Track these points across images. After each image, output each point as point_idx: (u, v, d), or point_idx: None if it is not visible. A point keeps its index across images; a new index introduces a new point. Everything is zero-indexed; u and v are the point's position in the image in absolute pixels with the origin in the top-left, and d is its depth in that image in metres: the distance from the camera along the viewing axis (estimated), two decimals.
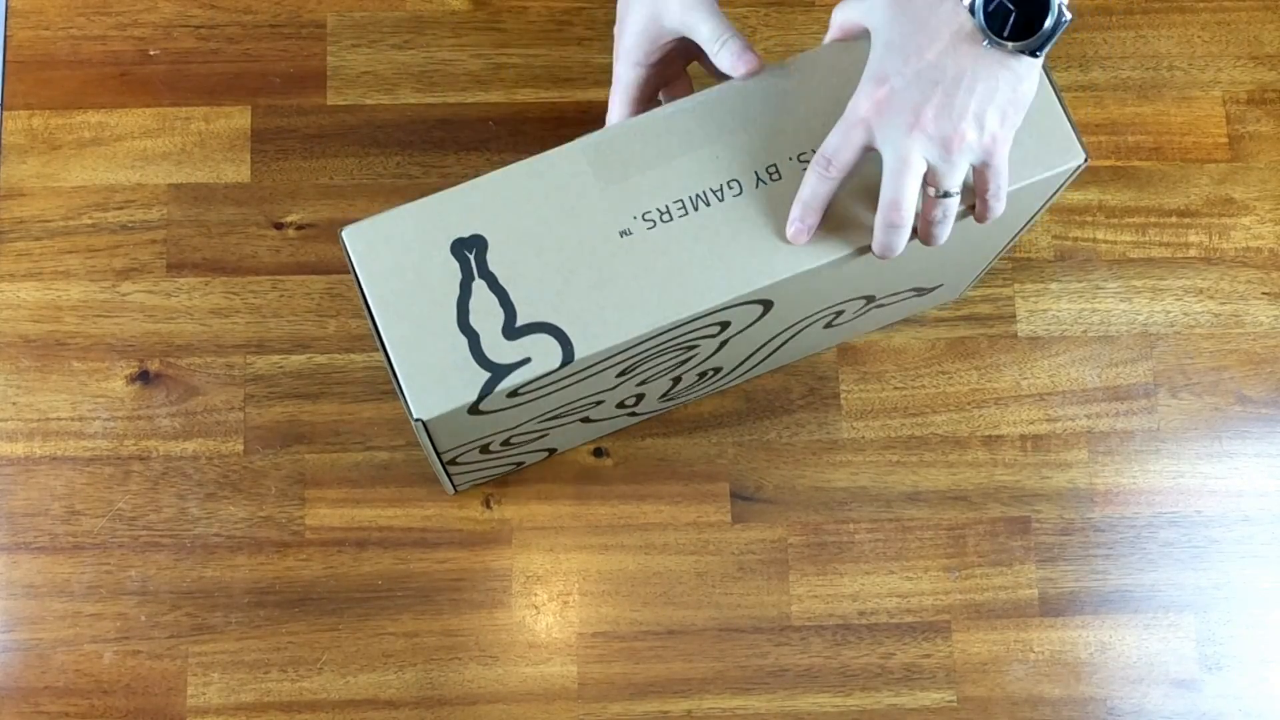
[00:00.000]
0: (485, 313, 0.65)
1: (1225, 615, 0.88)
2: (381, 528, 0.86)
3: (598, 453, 0.88)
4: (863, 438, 0.89)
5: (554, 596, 0.86)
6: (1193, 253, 0.93)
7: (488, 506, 0.87)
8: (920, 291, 0.84)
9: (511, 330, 0.65)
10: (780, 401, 0.89)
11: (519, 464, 0.85)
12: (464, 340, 0.65)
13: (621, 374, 0.72)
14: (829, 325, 0.83)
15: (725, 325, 0.72)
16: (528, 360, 0.65)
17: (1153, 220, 0.94)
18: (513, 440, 0.77)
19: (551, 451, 0.86)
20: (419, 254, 0.66)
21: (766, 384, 0.89)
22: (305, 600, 0.85)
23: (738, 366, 0.83)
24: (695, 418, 0.88)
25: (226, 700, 0.83)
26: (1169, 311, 0.92)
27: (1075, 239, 0.93)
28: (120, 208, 0.90)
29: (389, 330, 0.65)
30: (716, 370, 0.81)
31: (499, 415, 0.70)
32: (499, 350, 0.65)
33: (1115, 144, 0.95)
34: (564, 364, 0.65)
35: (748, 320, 0.72)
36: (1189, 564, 0.88)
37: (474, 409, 0.66)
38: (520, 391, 0.66)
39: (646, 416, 0.87)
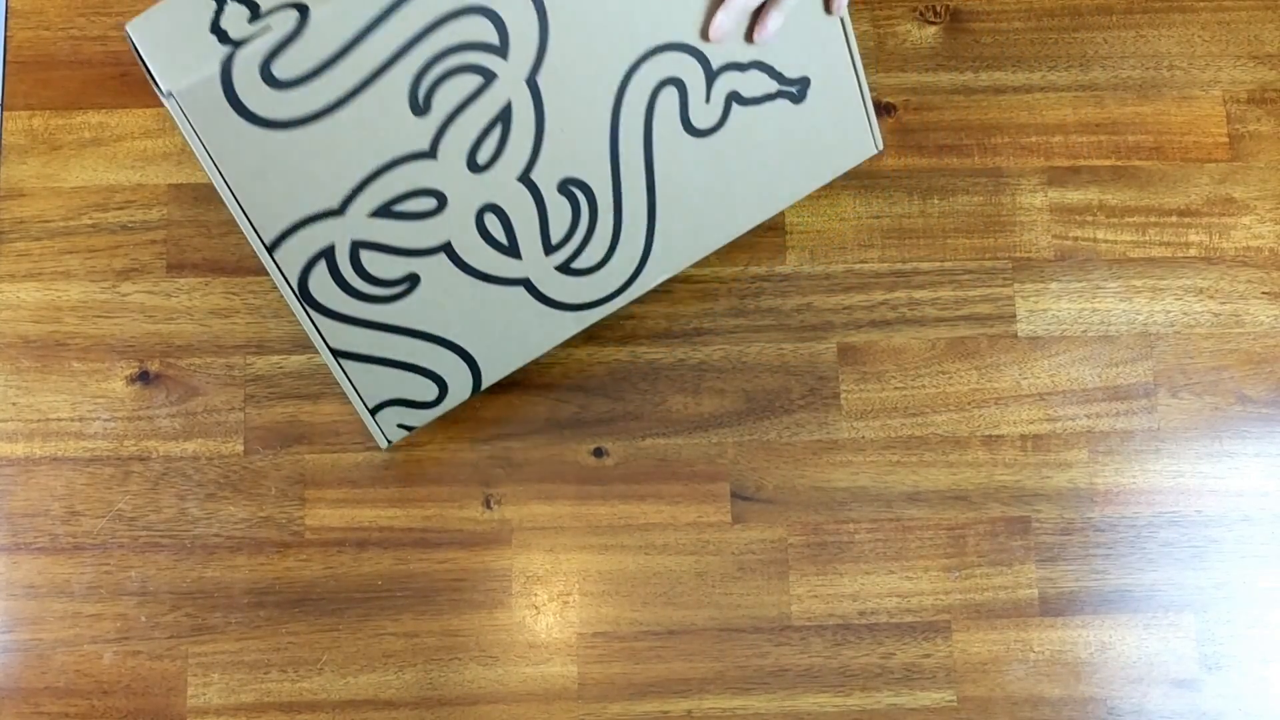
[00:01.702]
0: (235, 15, 0.68)
1: (1225, 615, 0.88)
2: (381, 528, 0.86)
3: (598, 453, 0.88)
4: (863, 437, 0.89)
5: (554, 596, 0.86)
6: (1193, 252, 0.93)
7: (488, 507, 0.87)
8: (783, 85, 0.82)
9: (256, 16, 0.68)
10: (780, 401, 0.89)
11: (432, 380, 0.81)
12: (213, 37, 0.68)
13: (414, 106, 0.72)
14: (687, 124, 0.80)
15: (501, 30, 0.72)
16: (268, 29, 0.67)
17: (1153, 220, 0.94)
18: (367, 268, 0.75)
19: (465, 361, 0.81)
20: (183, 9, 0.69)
21: (766, 384, 0.89)
22: (305, 600, 0.85)
23: (602, 172, 0.79)
24: (695, 418, 0.88)
25: (226, 700, 0.83)
26: (1169, 311, 0.92)
27: (1075, 239, 0.93)
28: (120, 208, 0.90)
29: (143, 43, 0.68)
30: (581, 184, 0.79)
31: (290, 136, 0.70)
32: (242, 31, 0.68)
33: (1115, 144, 0.95)
34: (300, 26, 0.67)
35: (527, 31, 0.72)
36: (1189, 564, 0.88)
37: (234, 99, 0.68)
38: (278, 78, 0.68)
39: (566, 312, 0.82)
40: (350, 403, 0.87)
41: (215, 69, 0.67)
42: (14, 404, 0.87)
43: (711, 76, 0.79)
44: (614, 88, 0.77)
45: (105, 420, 0.87)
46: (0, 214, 0.89)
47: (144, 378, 0.87)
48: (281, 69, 0.68)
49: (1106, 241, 0.93)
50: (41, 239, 0.89)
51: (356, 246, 0.75)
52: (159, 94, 0.68)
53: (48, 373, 0.87)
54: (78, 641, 0.84)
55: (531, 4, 0.72)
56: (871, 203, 0.93)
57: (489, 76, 0.73)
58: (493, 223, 0.77)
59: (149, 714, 0.83)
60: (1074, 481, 0.89)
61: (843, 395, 0.89)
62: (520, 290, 0.80)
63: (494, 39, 0.72)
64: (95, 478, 0.86)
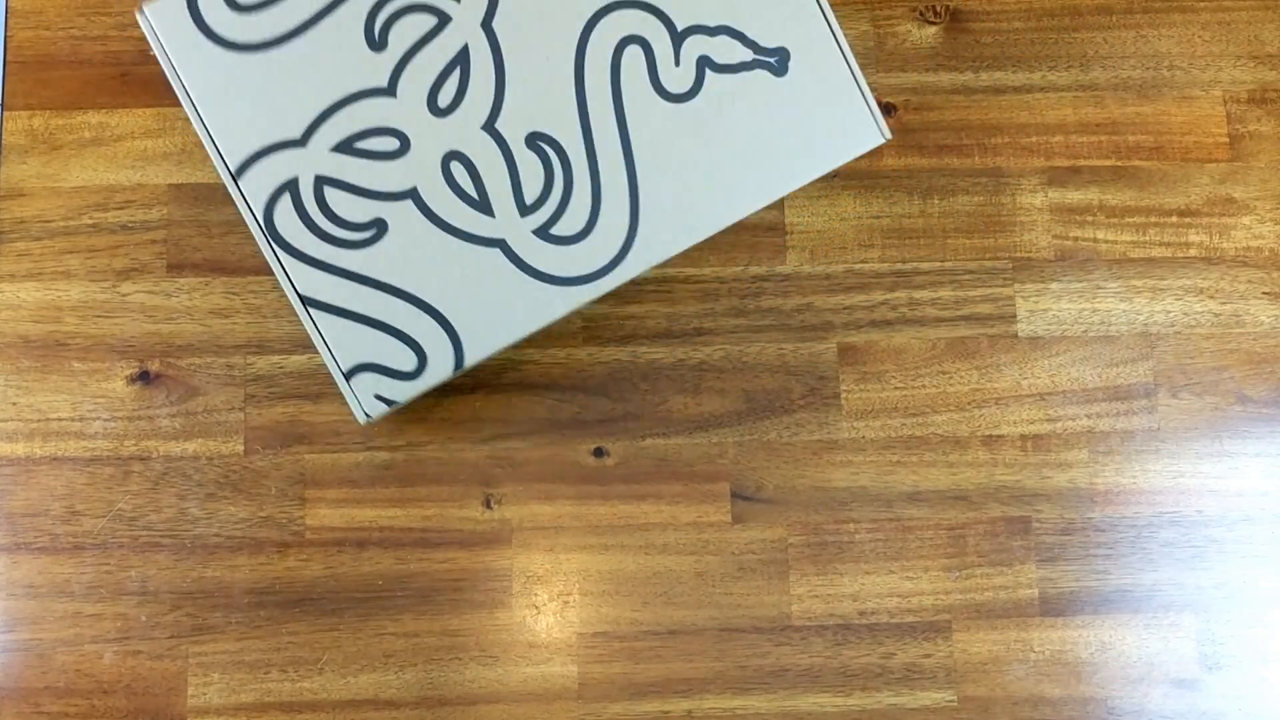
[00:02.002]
0: None
1: (1226, 615, 0.88)
2: (382, 528, 0.86)
3: (598, 453, 0.88)
4: (863, 437, 0.89)
5: (554, 596, 0.86)
6: (1193, 252, 0.93)
7: (488, 507, 0.87)
8: (759, 55, 0.81)
9: None
10: (780, 401, 0.89)
11: (410, 347, 0.78)
12: None
13: (370, 41, 0.74)
14: (658, 87, 0.79)
15: None
16: None
17: (1153, 220, 0.94)
18: (332, 208, 0.75)
19: (445, 330, 0.78)
20: None
21: (767, 384, 0.89)
22: (305, 600, 0.85)
23: (572, 130, 0.78)
24: (695, 417, 0.88)
25: (227, 700, 0.83)
26: (1169, 311, 0.92)
27: (1075, 239, 0.93)
28: (121, 208, 0.90)
29: None
30: (551, 139, 0.78)
31: (253, 59, 0.73)
32: None
33: (1115, 144, 0.95)
34: None
35: None
36: (1189, 564, 0.88)
37: (199, 19, 0.72)
38: (240, 1, 0.72)
39: (552, 286, 0.80)
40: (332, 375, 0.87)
41: None
42: (14, 404, 0.87)
43: (678, 38, 0.79)
44: (573, 41, 0.77)
45: (105, 420, 0.87)
46: (0, 214, 0.89)
47: (144, 377, 0.87)
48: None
49: (1107, 241, 0.93)
50: (41, 239, 0.89)
51: (320, 182, 0.74)
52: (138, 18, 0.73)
53: (48, 372, 0.87)
54: (78, 641, 0.84)
55: None
56: (871, 203, 0.93)
57: (443, 18, 0.75)
58: (460, 173, 0.76)
59: (149, 714, 0.83)
60: (1074, 481, 0.89)
61: (843, 395, 0.89)
62: (497, 253, 0.77)
63: None
64: (95, 477, 0.86)
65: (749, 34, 0.80)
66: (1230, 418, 0.91)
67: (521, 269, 0.78)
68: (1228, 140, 0.95)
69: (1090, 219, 0.93)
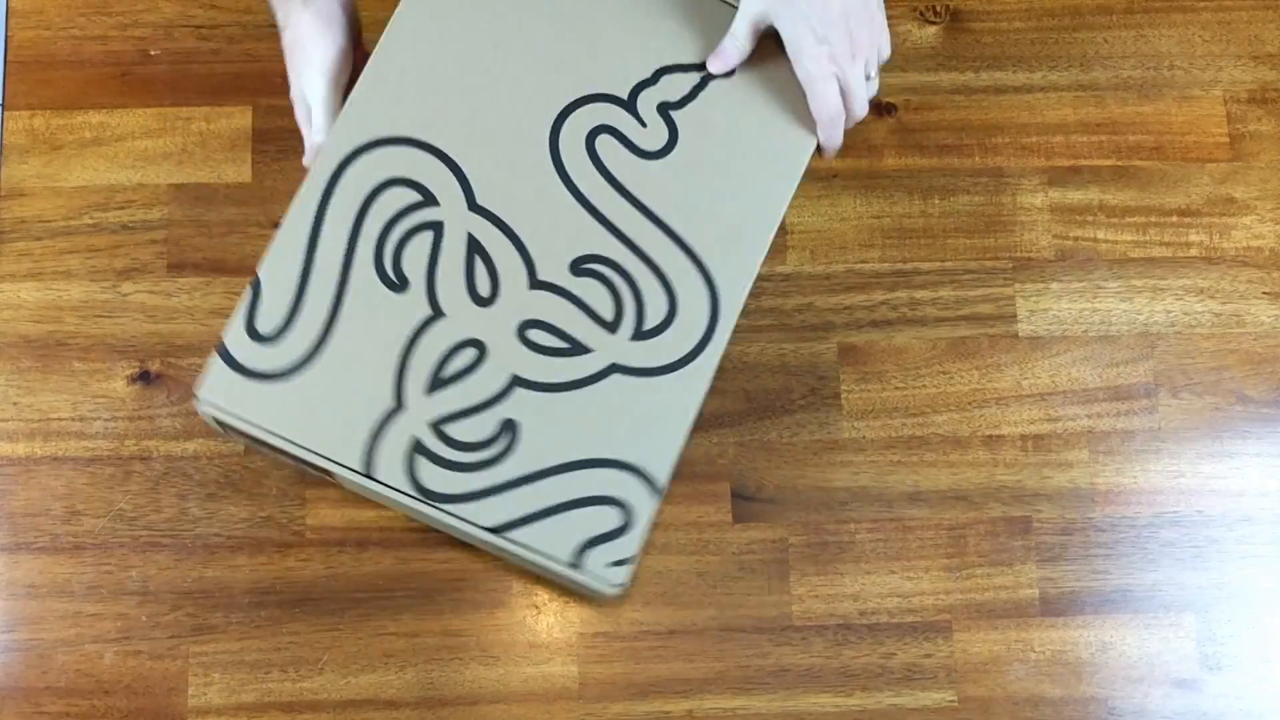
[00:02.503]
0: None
1: (1226, 615, 0.88)
2: (382, 528, 0.86)
3: None
4: (863, 437, 0.89)
5: (555, 596, 0.86)
6: (1193, 252, 0.93)
7: None
8: (700, 73, 0.83)
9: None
10: (781, 401, 0.89)
11: (605, 504, 0.78)
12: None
13: (392, 285, 0.77)
14: (640, 153, 0.81)
15: (419, 187, 0.78)
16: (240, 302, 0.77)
17: (1153, 220, 0.94)
18: (461, 440, 0.76)
19: (622, 469, 0.78)
20: None
21: (767, 384, 0.89)
22: (306, 600, 0.85)
23: (601, 238, 0.79)
24: (696, 417, 0.88)
25: (227, 700, 0.83)
26: (1170, 311, 0.92)
27: (1076, 238, 0.93)
28: (121, 208, 0.90)
29: None
30: (592, 257, 0.79)
31: (312, 371, 0.77)
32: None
33: (1116, 144, 0.95)
34: (256, 285, 0.77)
35: (439, 175, 0.78)
36: (1190, 564, 0.88)
37: (241, 368, 0.76)
38: (263, 334, 0.77)
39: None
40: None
41: (216, 355, 0.76)
42: (15, 404, 0.87)
43: (629, 105, 0.81)
44: (551, 169, 0.80)
45: (106, 420, 0.87)
46: (1, 214, 0.89)
47: (145, 377, 0.87)
48: (263, 324, 0.76)
49: (1107, 241, 0.93)
50: (42, 239, 0.89)
51: (436, 426, 0.76)
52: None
53: (49, 372, 0.87)
54: (79, 641, 0.84)
55: (431, 154, 0.78)
56: (872, 203, 0.93)
57: (437, 227, 0.78)
58: (540, 336, 0.78)
59: (150, 714, 0.83)
60: (1075, 481, 0.89)
61: (843, 395, 0.89)
62: (618, 378, 0.78)
63: (417, 197, 0.78)
64: (96, 477, 0.86)
65: (684, 61, 0.81)
66: (1231, 417, 0.91)
67: (643, 375, 0.78)
68: (1228, 140, 0.95)
69: (1091, 219, 0.93)
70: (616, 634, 0.85)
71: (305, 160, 0.82)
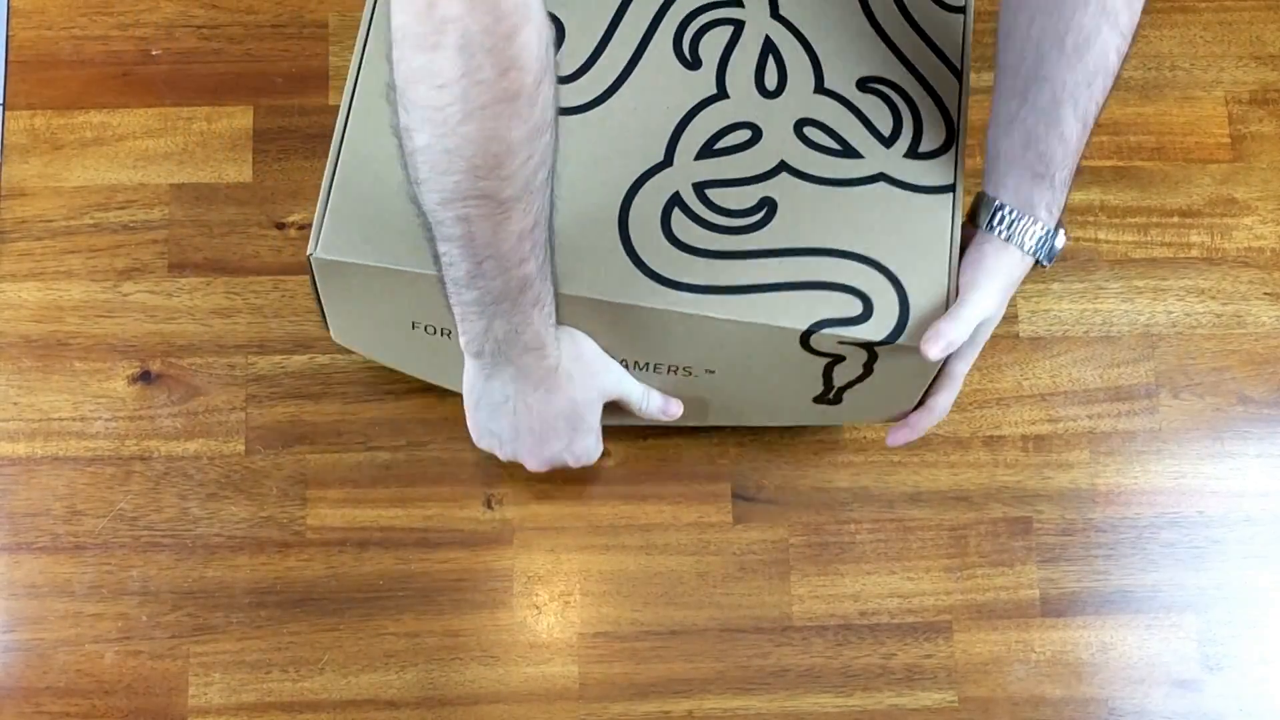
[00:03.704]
0: None
1: (1227, 615, 0.88)
2: (383, 528, 0.86)
3: None
4: (864, 438, 0.89)
5: (555, 597, 0.86)
6: (1195, 253, 0.93)
7: (489, 507, 0.87)
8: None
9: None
10: None
11: (849, 293, 0.78)
12: None
13: (685, 63, 0.80)
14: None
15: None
16: None
17: (1155, 220, 0.94)
18: (719, 204, 0.78)
19: (874, 268, 0.78)
20: None
21: None
22: (306, 600, 0.85)
23: (896, 68, 0.82)
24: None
25: (228, 700, 0.83)
26: (1171, 312, 0.92)
27: (1077, 239, 0.93)
28: (122, 208, 0.90)
29: None
30: (879, 79, 0.82)
31: (589, 115, 0.78)
32: None
33: (1117, 144, 0.95)
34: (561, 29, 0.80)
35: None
36: (1190, 564, 0.88)
37: None
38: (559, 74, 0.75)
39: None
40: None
41: None
42: (15, 403, 0.87)
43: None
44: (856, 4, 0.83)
45: (107, 420, 0.87)
46: (2, 213, 0.89)
47: (145, 377, 0.87)
48: (564, 65, 0.78)
49: (1108, 242, 0.93)
50: (43, 239, 0.89)
51: (699, 188, 0.78)
52: None
53: (49, 372, 0.87)
54: (79, 641, 0.84)
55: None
56: None
57: (737, 24, 0.81)
58: (816, 134, 0.80)
59: (150, 714, 0.83)
60: (1075, 482, 0.89)
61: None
62: (884, 186, 0.80)
63: None
64: (97, 477, 0.86)
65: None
66: (1231, 418, 0.91)
67: (910, 189, 0.79)
68: (1229, 141, 0.95)
69: (1092, 219, 0.93)
70: (617, 634, 0.85)
71: None
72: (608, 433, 0.88)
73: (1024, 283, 0.91)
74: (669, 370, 0.80)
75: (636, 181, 0.77)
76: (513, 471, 0.87)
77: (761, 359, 0.79)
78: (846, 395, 0.81)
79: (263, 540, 0.85)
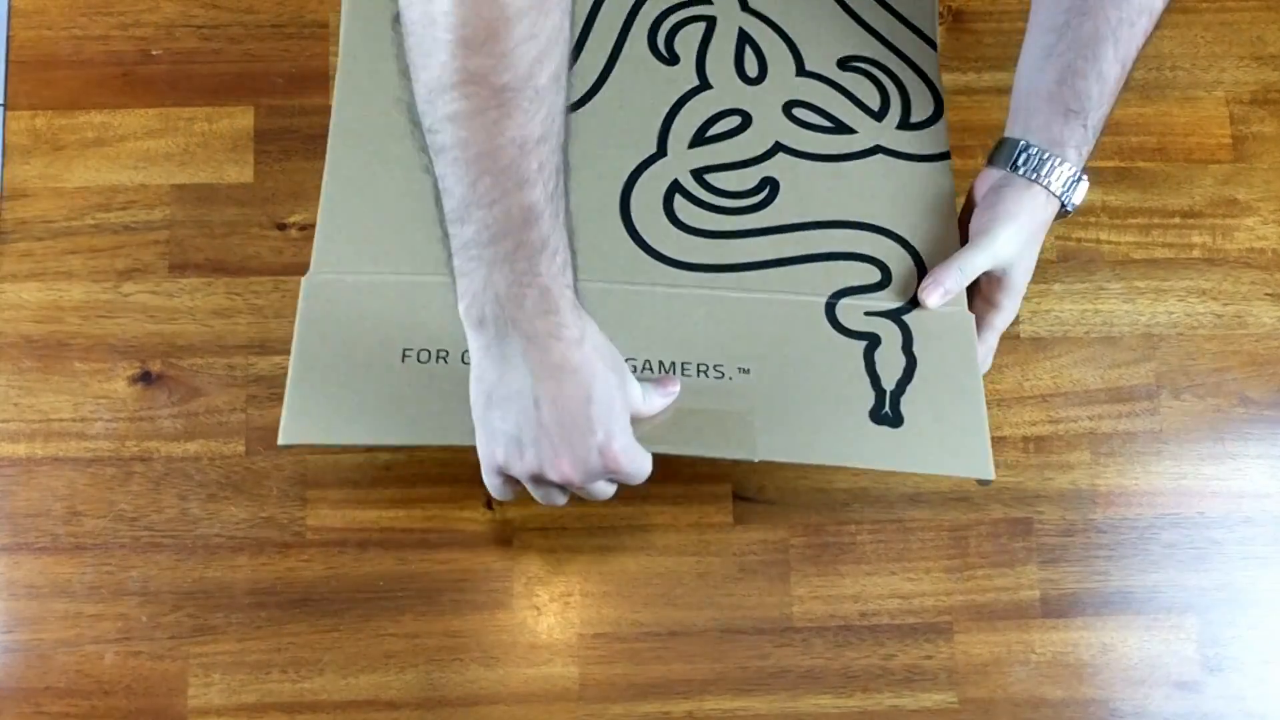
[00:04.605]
0: None
1: (1227, 617, 0.88)
2: (383, 529, 0.86)
3: None
4: None
5: (555, 597, 0.86)
6: (1196, 254, 0.93)
7: (489, 507, 0.87)
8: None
9: None
10: None
11: (866, 262, 0.79)
12: None
13: (663, 59, 0.81)
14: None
15: None
16: None
17: (1156, 221, 0.93)
18: (721, 187, 0.79)
19: (887, 236, 0.80)
20: None
21: None
22: (306, 601, 0.85)
23: (873, 45, 0.84)
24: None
25: (228, 701, 0.83)
26: (1172, 313, 0.92)
27: (1078, 240, 0.93)
28: (123, 208, 0.90)
29: None
30: (858, 58, 0.84)
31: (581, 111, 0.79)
32: None
33: (1118, 145, 0.94)
34: None
35: None
36: (1191, 565, 0.88)
37: None
38: None
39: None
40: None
41: None
42: (16, 404, 0.87)
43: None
44: None
45: (107, 420, 0.87)
46: (3, 214, 0.89)
47: (146, 378, 0.87)
48: None
49: (1109, 243, 0.93)
50: (44, 239, 0.89)
51: (698, 174, 0.79)
52: None
53: (50, 373, 0.87)
54: (79, 642, 0.84)
55: None
56: None
57: (709, 19, 0.82)
58: (806, 114, 0.81)
59: (150, 714, 0.83)
60: (1076, 483, 0.89)
61: None
62: (882, 158, 0.80)
63: None
64: (97, 478, 0.86)
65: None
66: (1232, 419, 0.91)
67: (910, 159, 0.81)
68: (1230, 141, 0.95)
69: (1093, 220, 0.93)
70: (617, 635, 0.85)
71: None
72: None
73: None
74: (698, 371, 0.75)
75: (633, 173, 0.77)
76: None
77: (795, 347, 0.75)
78: (904, 406, 0.76)
79: (263, 541, 0.85)
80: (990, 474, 0.75)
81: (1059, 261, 0.92)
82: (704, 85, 0.81)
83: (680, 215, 0.77)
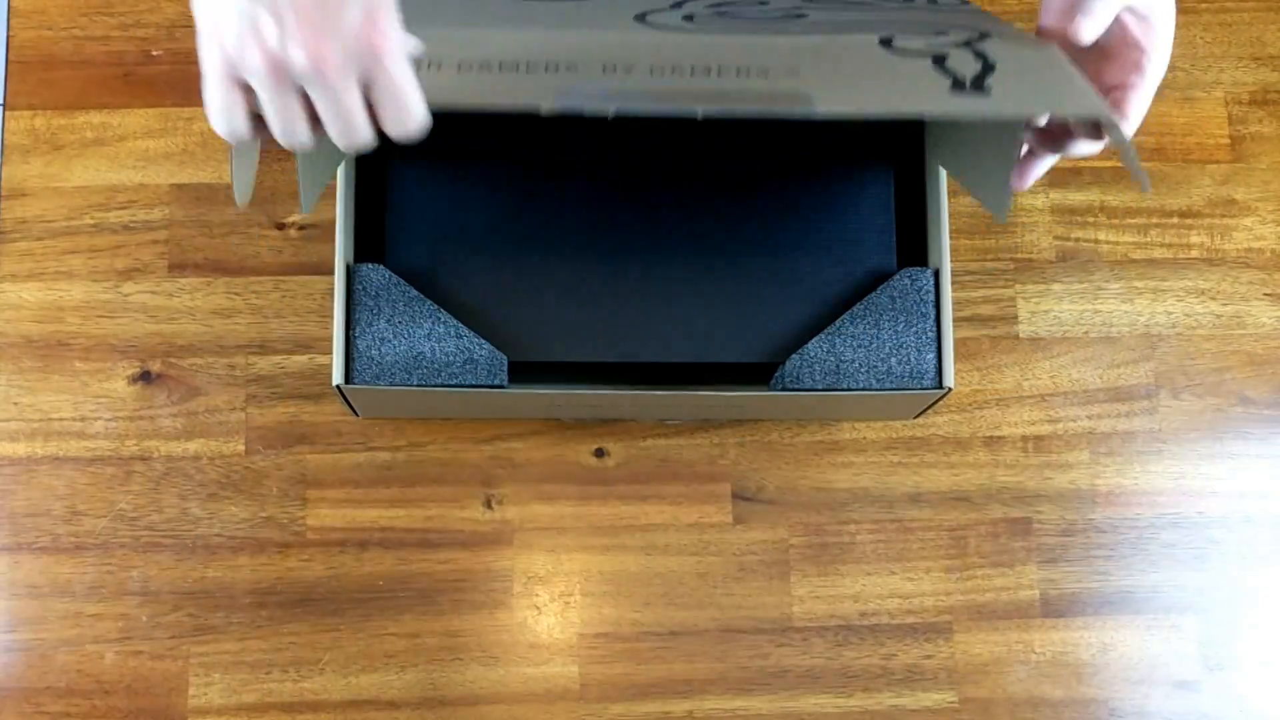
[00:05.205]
0: None
1: (1227, 616, 0.88)
2: (383, 528, 0.86)
3: (599, 453, 0.88)
4: (864, 438, 0.89)
5: (555, 597, 0.86)
6: (1195, 254, 0.93)
7: (489, 507, 0.87)
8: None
9: None
10: None
11: None
12: None
13: None
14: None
15: None
16: None
17: (1155, 221, 0.94)
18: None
19: None
20: None
21: None
22: (307, 601, 0.85)
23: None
24: (697, 418, 0.88)
25: (228, 701, 0.83)
26: (1171, 312, 0.92)
27: (1077, 240, 0.93)
28: (123, 208, 0.90)
29: None
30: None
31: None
32: None
33: None
34: None
35: None
36: (1191, 565, 0.88)
37: None
38: None
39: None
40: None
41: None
42: (16, 404, 0.87)
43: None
44: None
45: (107, 420, 0.87)
46: (3, 214, 0.89)
47: (146, 377, 0.87)
48: None
49: (1108, 243, 0.93)
50: (44, 239, 0.89)
51: (715, 6, 0.69)
52: None
53: (50, 372, 0.87)
54: (79, 641, 0.84)
55: None
56: None
57: None
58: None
59: (150, 714, 0.83)
60: (1075, 483, 0.89)
61: None
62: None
63: None
64: (97, 477, 0.86)
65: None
66: (1232, 419, 0.91)
67: None
68: (1229, 141, 0.95)
69: (1092, 220, 0.93)
70: (617, 635, 0.85)
71: None
72: (607, 433, 0.88)
73: (1025, 284, 0.91)
74: (737, 72, 0.59)
75: (639, 15, 0.66)
76: (513, 472, 0.87)
77: (850, 63, 0.61)
78: (991, 80, 0.59)
79: (263, 540, 0.85)
80: None
81: (1058, 261, 0.92)
82: None
83: (701, 24, 0.65)
